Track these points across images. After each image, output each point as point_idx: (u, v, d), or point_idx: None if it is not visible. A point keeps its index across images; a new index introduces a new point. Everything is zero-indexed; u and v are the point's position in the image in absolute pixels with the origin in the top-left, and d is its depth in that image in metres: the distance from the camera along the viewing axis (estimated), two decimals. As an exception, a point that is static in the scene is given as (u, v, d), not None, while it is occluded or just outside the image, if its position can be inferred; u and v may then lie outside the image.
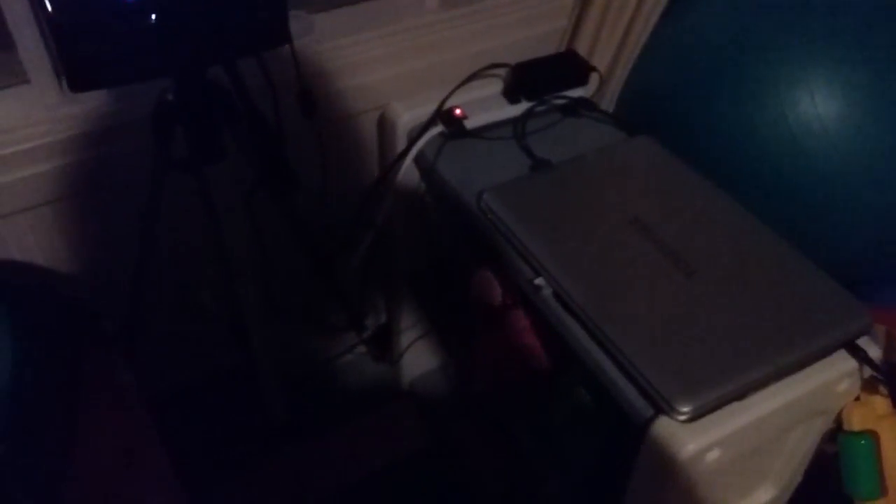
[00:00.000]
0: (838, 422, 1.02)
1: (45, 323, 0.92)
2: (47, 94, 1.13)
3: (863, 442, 0.99)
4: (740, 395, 0.87)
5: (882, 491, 0.99)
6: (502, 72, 1.28)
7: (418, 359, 1.65)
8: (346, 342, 1.71)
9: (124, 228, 1.23)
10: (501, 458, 1.45)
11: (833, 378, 0.93)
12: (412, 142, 1.20)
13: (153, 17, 0.74)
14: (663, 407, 0.85)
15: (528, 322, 1.21)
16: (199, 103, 0.91)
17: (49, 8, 0.73)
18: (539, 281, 0.99)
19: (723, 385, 0.86)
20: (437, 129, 1.20)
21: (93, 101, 1.12)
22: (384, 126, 1.28)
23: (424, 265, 1.45)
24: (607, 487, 1.06)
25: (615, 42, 1.38)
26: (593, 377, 0.94)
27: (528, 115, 1.23)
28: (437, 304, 1.42)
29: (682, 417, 0.84)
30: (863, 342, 0.94)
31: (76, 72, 0.74)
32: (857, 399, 1.00)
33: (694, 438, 0.85)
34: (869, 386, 1.00)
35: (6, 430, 0.80)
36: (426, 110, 1.24)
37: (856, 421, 0.99)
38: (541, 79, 1.24)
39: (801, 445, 1.05)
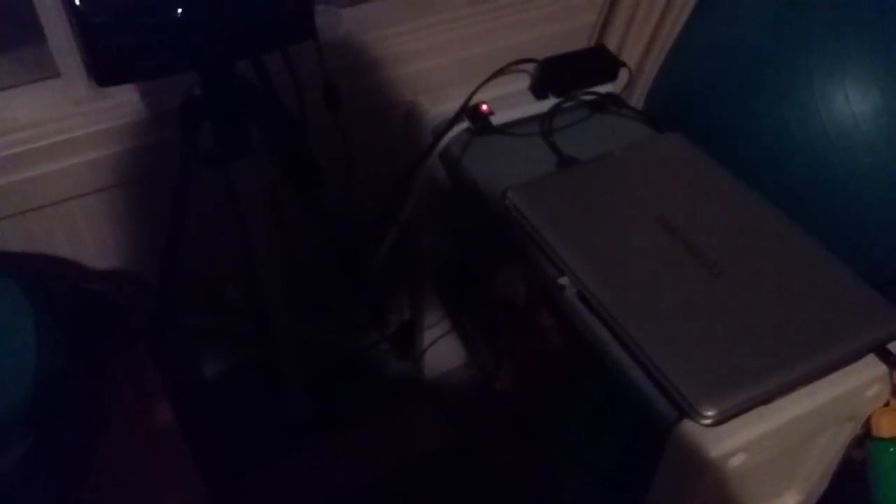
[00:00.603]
0: (867, 427, 1.00)
1: (71, 318, 0.92)
2: (76, 88, 1.14)
3: (892, 449, 0.97)
4: (766, 400, 0.86)
5: (912, 499, 0.97)
6: (530, 67, 1.27)
7: (441, 357, 1.65)
8: (370, 338, 1.71)
9: (151, 223, 1.25)
10: (523, 458, 1.45)
11: (862, 383, 0.91)
12: (437, 137, 1.19)
13: (179, 11, 0.74)
14: (687, 410, 0.84)
15: (553, 321, 1.20)
16: (226, 98, 0.91)
17: (77, 2, 0.74)
18: (563, 280, 0.98)
19: (748, 389, 0.84)
20: (464, 124, 1.19)
21: (122, 95, 1.13)
22: (411, 121, 1.27)
23: (449, 262, 1.44)
24: (629, 490, 1.05)
25: (646, 37, 1.36)
26: (617, 378, 0.93)
27: (555, 111, 1.22)
28: (462, 301, 1.42)
29: (707, 421, 0.83)
30: (893, 346, 0.92)
31: (103, 66, 0.75)
32: (887, 405, 0.98)
33: (718, 442, 0.83)
34: (900, 391, 0.98)
35: (31, 425, 0.81)
36: (453, 106, 1.23)
37: (885, 427, 0.97)
38: (569, 74, 1.23)
39: (828, 451, 1.03)
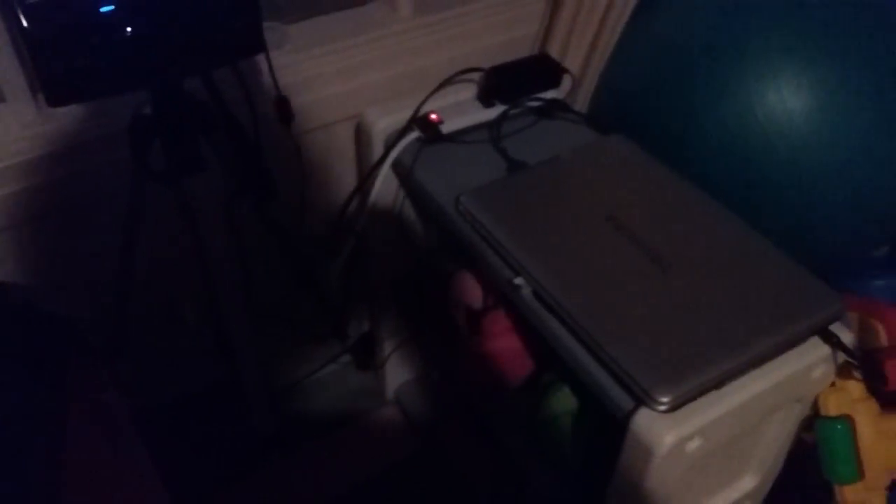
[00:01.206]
0: (815, 408, 1.04)
1: (27, 339, 0.92)
2: (23, 112, 1.13)
3: (839, 426, 1.01)
4: (718, 384, 0.89)
5: (860, 474, 1.01)
6: (476, 76, 1.30)
7: (402, 367, 1.66)
8: (330, 352, 1.72)
9: (106, 243, 1.24)
10: (488, 459, 1.46)
11: (808, 364, 0.95)
12: (388, 148, 1.21)
13: (129, 29, 0.75)
14: (643, 398, 0.87)
15: (510, 323, 1.22)
16: (176, 114, 0.92)
17: (24, 22, 0.74)
18: (518, 280, 1.01)
19: (700, 374, 0.88)
20: (414, 134, 1.21)
21: (69, 118, 1.13)
22: (361, 134, 1.29)
23: (406, 271, 1.46)
24: (592, 481, 1.07)
25: (586, 45, 1.40)
26: (575, 372, 0.95)
27: (503, 118, 1.25)
28: (420, 309, 1.43)
29: (662, 408, 0.86)
30: (836, 328, 0.97)
31: (54, 86, 0.75)
32: (833, 385, 1.02)
33: (674, 428, 0.86)
34: (843, 371, 1.02)
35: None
36: (402, 116, 1.25)
37: (832, 406, 1.02)
38: (515, 82, 1.26)
39: (780, 433, 1.07)
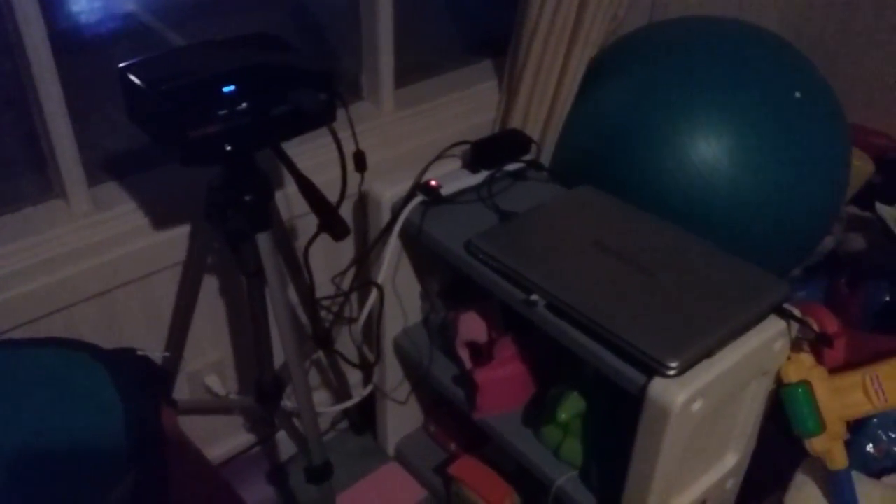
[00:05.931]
0: (778, 381, 1.29)
1: (129, 376, 1.06)
2: (82, 205, 1.30)
3: (800, 389, 1.25)
4: (709, 353, 1.13)
5: (822, 426, 1.25)
6: (458, 150, 1.55)
7: (400, 423, 1.82)
8: (328, 419, 1.86)
9: (165, 303, 1.41)
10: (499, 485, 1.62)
11: (770, 337, 1.20)
12: (398, 210, 1.43)
13: (244, 105, 0.95)
14: (656, 368, 1.09)
15: (515, 349, 1.43)
16: (252, 181, 1.11)
17: (160, 101, 0.94)
18: (534, 297, 1.23)
19: (696, 345, 1.11)
20: (418, 198, 1.43)
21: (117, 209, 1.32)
22: (369, 202, 1.50)
23: (407, 326, 1.65)
24: (610, 468, 1.26)
25: (542, 120, 1.68)
26: (593, 364, 1.17)
27: (490, 179, 1.50)
28: (429, 353, 1.62)
29: (672, 372, 1.08)
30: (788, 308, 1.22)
31: (186, 149, 0.94)
32: (789, 359, 1.27)
33: (683, 390, 1.08)
34: (794, 346, 1.28)
35: (133, 460, 0.94)
36: (402, 187, 1.48)
37: (792, 374, 1.26)
38: (495, 151, 1.51)
39: (752, 407, 1.30)
